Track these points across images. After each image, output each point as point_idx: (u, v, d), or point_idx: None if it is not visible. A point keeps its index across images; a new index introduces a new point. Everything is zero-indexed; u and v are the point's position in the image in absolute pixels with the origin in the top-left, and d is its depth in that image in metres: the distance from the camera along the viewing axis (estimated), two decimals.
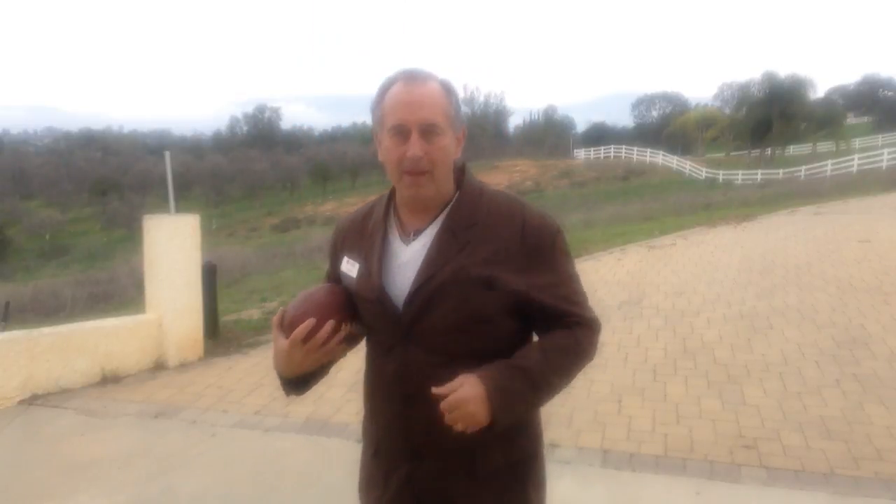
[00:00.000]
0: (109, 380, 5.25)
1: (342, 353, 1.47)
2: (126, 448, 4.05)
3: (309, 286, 1.55)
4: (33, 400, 4.86)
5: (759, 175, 36.68)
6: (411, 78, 1.39)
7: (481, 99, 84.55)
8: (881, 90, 70.14)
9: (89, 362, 5.24)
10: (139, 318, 5.76)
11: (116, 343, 5.42)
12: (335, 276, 1.58)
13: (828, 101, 57.82)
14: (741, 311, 6.82)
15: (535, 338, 1.51)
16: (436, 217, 1.44)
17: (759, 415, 4.20)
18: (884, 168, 28.41)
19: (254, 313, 7.49)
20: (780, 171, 36.61)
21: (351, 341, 1.47)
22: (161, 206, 7.15)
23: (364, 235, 1.51)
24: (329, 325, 1.37)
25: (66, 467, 3.81)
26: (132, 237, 30.18)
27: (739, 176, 38.06)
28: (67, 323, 5.93)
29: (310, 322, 1.36)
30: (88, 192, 66.52)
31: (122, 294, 12.37)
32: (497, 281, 1.37)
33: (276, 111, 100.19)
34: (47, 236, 53.44)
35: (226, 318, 6.91)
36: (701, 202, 22.55)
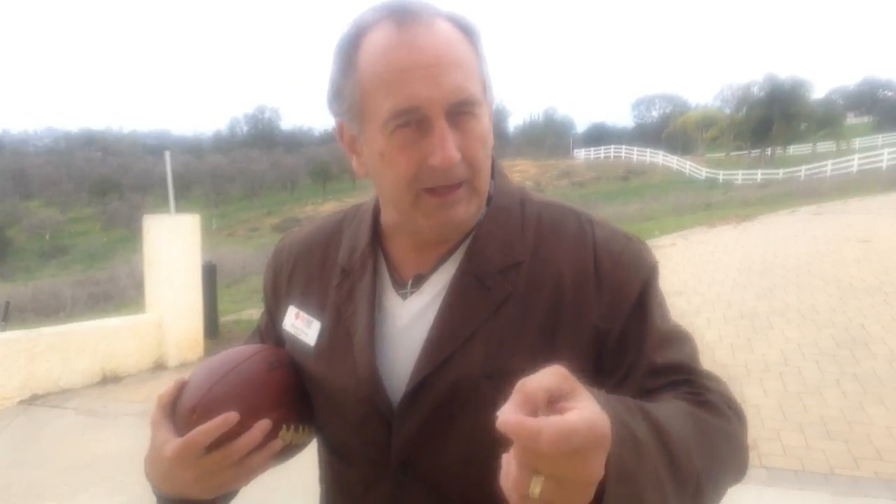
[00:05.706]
0: (109, 380, 5.26)
1: (262, 469, 0.84)
2: (126, 448, 4.04)
3: None
4: (33, 400, 4.86)
5: (759, 175, 36.66)
6: (407, 16, 0.75)
7: None
8: (881, 90, 70.46)
9: (89, 362, 5.24)
10: (139, 318, 5.77)
11: (116, 343, 5.42)
12: (276, 336, 0.97)
13: (828, 102, 58.05)
14: (741, 311, 6.82)
15: None
16: (451, 250, 0.86)
17: (759, 415, 4.19)
18: (884, 168, 28.39)
19: (254, 313, 7.49)
20: (781, 171, 36.58)
21: (286, 453, 0.87)
22: (161, 206, 7.14)
23: (326, 273, 0.92)
24: (261, 426, 0.80)
25: (66, 467, 3.82)
26: (132, 237, 30.20)
27: (739, 176, 38.04)
28: (67, 323, 5.94)
29: (227, 418, 0.78)
30: (88, 192, 66.66)
31: (122, 294, 12.40)
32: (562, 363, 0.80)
33: (275, 111, 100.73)
34: (47, 236, 53.53)
35: (226, 317, 6.92)
36: (701, 202, 22.57)
